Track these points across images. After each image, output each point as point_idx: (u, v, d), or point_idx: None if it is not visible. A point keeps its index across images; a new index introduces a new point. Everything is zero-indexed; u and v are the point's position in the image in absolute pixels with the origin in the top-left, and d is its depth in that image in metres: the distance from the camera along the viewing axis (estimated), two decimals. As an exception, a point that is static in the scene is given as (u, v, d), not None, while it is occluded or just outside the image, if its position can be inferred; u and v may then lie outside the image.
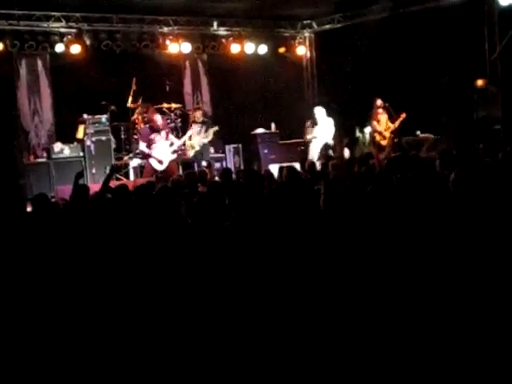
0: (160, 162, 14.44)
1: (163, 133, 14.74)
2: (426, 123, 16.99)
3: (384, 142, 15.68)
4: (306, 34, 19.81)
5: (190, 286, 5.32)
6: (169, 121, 16.54)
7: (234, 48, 17.97)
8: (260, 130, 17.18)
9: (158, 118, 14.96)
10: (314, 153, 15.67)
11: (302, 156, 15.91)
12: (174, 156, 14.87)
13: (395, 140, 15.90)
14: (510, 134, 14.81)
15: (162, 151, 14.51)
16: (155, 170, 14.37)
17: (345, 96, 18.08)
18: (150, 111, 15.99)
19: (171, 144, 14.75)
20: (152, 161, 14.46)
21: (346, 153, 15.67)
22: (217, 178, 12.07)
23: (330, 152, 15.36)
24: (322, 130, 15.86)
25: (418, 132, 16.80)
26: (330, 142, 15.93)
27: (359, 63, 17.78)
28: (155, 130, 14.70)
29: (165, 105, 16.95)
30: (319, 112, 15.99)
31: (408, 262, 5.40)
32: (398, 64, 17.12)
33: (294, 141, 17.48)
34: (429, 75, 17.05)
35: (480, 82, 16.77)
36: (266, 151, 16.67)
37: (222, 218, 6.19)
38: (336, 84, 18.71)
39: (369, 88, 16.90)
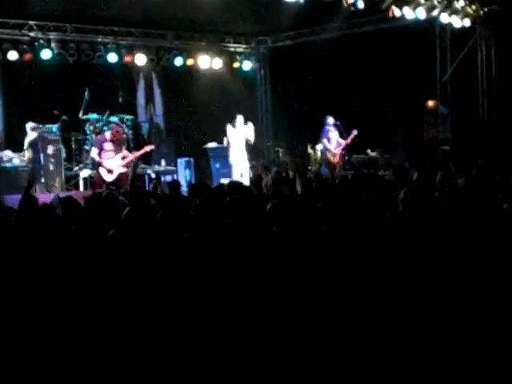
0: (110, 171, 14.29)
1: (117, 144, 14.61)
2: (376, 142, 17.19)
3: (334, 160, 15.81)
4: (260, 51, 19.91)
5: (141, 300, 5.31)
6: (122, 133, 16.39)
7: (188, 61, 17.99)
8: (212, 145, 17.17)
9: (112, 126, 14.91)
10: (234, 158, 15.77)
11: (253, 171, 15.95)
12: (125, 169, 14.72)
13: (345, 157, 16.06)
14: (458, 155, 15.07)
15: (113, 162, 14.38)
16: (104, 181, 14.21)
17: (296, 112, 18.22)
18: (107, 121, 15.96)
19: (123, 157, 14.61)
20: (101, 170, 14.31)
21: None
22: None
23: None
24: (238, 137, 15.90)
25: (369, 150, 16.98)
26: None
27: (312, 80, 17.92)
28: (109, 139, 14.53)
29: (118, 116, 16.82)
30: (239, 120, 15.96)
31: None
32: (350, 83, 17.32)
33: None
34: (380, 95, 17.27)
35: (430, 103, 17.05)
36: (217, 165, 16.65)
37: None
38: (288, 100, 18.83)
39: (321, 105, 17.05)
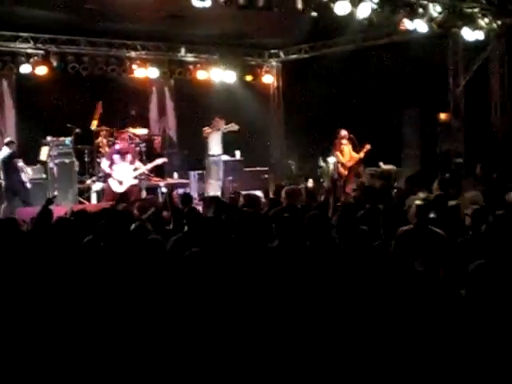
0: (120, 182, 14.35)
1: (129, 156, 14.68)
2: (389, 155, 17.15)
3: (347, 173, 15.78)
4: (273, 63, 19.98)
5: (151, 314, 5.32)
6: (134, 145, 16.48)
7: (201, 74, 18.06)
8: (225, 157, 17.19)
9: (123, 138, 14.95)
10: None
11: (266, 184, 15.98)
12: (136, 181, 14.78)
13: (359, 170, 16.03)
14: (471, 168, 15.02)
15: (124, 173, 14.43)
16: (114, 192, 14.27)
17: (309, 125, 18.23)
18: (115, 133, 16.01)
19: (135, 169, 14.68)
20: (111, 181, 14.37)
21: (310, 182, 15.72)
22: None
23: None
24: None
25: (381, 163, 16.94)
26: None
27: (325, 93, 17.94)
28: (121, 151, 14.62)
29: (130, 129, 16.90)
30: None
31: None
32: (363, 96, 17.33)
33: (258, 169, 17.53)
34: (393, 108, 17.27)
35: (443, 116, 17.00)
36: (230, 178, 16.65)
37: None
38: (301, 113, 18.85)
39: (334, 118, 17.05)
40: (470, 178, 12.39)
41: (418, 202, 7.26)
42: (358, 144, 15.78)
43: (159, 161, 15.58)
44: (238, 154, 17.44)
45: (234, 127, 16.65)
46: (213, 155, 16.60)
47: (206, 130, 16.60)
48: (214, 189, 16.07)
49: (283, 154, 19.89)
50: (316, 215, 7.01)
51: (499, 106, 15.91)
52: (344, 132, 15.88)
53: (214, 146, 16.68)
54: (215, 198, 10.73)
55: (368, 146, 15.61)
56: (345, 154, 15.87)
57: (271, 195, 12.05)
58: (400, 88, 16.80)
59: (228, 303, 5.48)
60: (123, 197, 13.83)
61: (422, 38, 15.49)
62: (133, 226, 6.88)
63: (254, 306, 5.59)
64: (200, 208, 10.22)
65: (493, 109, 16.00)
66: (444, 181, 10.79)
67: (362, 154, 15.70)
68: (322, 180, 17.15)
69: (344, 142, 15.89)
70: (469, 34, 15.48)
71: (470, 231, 7.08)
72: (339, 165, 15.94)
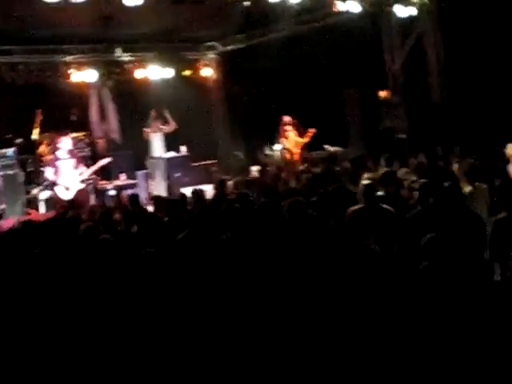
0: (66, 189, 14.22)
1: (73, 161, 14.55)
2: (333, 136, 17.24)
3: (293, 158, 15.84)
4: (211, 56, 19.91)
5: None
6: (78, 150, 16.27)
7: (140, 73, 17.90)
8: (170, 154, 17.08)
9: (65, 144, 14.75)
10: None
11: (215, 177, 15.94)
12: (83, 185, 14.66)
13: (305, 155, 16.10)
14: (415, 143, 15.18)
15: (69, 179, 14.31)
16: (63, 200, 14.13)
17: (253, 114, 18.23)
18: (56, 139, 15.78)
19: (81, 173, 14.56)
20: (58, 189, 14.23)
21: (255, 171, 15.70)
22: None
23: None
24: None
25: (326, 146, 17.03)
26: None
27: (266, 81, 17.95)
28: (63, 157, 14.48)
29: (72, 134, 16.67)
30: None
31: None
32: (303, 80, 17.38)
33: (205, 162, 17.48)
34: (334, 89, 17.35)
35: (383, 94, 17.13)
36: (177, 174, 16.56)
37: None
38: (243, 103, 18.84)
39: (277, 105, 17.08)
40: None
41: (364, 182, 7.33)
42: (302, 129, 15.84)
43: (103, 162, 15.46)
44: (183, 149, 17.33)
45: (171, 128, 16.64)
46: (155, 157, 16.56)
47: (146, 130, 16.55)
48: (159, 188, 16.00)
49: (230, 145, 19.85)
50: (266, 203, 7.03)
51: (437, 79, 16.10)
52: (287, 118, 15.94)
53: (156, 147, 16.64)
54: (163, 197, 10.68)
55: (312, 130, 15.69)
56: (290, 140, 15.93)
57: (216, 188, 12.06)
58: (339, 70, 16.88)
59: (185, 299, 5.47)
60: (72, 203, 13.70)
61: (355, 18, 15.59)
62: (82, 228, 6.82)
63: (211, 298, 5.59)
64: (150, 208, 10.18)
65: (431, 82, 16.19)
66: (389, 158, 10.90)
67: (306, 139, 15.77)
68: (269, 168, 17.17)
69: (288, 128, 15.95)
70: (401, 11, 15.64)
71: (418, 205, 7.15)
72: (285, 151, 16.00)
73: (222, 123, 20.22)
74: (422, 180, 7.98)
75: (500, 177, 7.87)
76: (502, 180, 6.87)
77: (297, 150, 15.92)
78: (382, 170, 9.63)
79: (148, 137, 16.64)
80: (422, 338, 4.98)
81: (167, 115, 16.79)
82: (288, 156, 15.87)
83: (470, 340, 4.85)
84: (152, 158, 16.70)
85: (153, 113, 16.75)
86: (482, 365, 4.74)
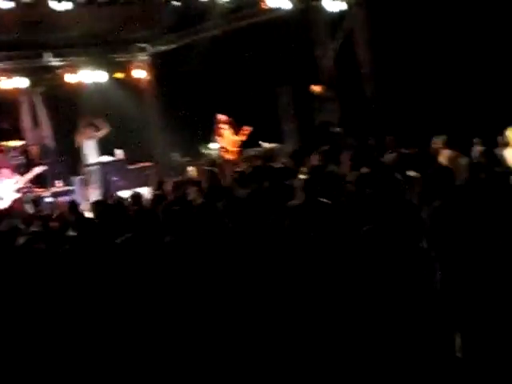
0: (1, 199, 14.02)
1: (6, 171, 14.32)
2: (268, 133, 17.31)
3: (230, 157, 15.86)
4: (143, 58, 19.76)
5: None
6: (12, 158, 15.98)
7: (71, 78, 17.68)
8: (105, 158, 16.92)
9: None
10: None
11: (153, 180, 15.85)
12: (19, 195, 14.43)
13: (242, 153, 16.13)
14: (350, 136, 15.34)
15: (3, 189, 14.09)
16: (-2, 210, 13.92)
17: (188, 115, 18.18)
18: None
19: (16, 182, 14.33)
20: None
21: (191, 171, 15.65)
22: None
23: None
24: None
25: (262, 143, 17.09)
26: None
27: (199, 81, 17.92)
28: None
29: (4, 143, 16.39)
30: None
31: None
32: (237, 78, 17.39)
33: (142, 165, 17.38)
34: (268, 86, 17.41)
35: (316, 88, 17.24)
36: (114, 178, 16.41)
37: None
38: (178, 104, 18.77)
39: (211, 104, 17.07)
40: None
41: (303, 176, 7.38)
42: (237, 127, 15.87)
43: (37, 169, 15.25)
44: (119, 152, 17.20)
45: (103, 132, 16.49)
46: (89, 165, 16.38)
47: (78, 137, 16.36)
48: (96, 194, 15.83)
49: (166, 147, 19.76)
50: (205, 204, 7.02)
51: (368, 73, 16.29)
52: (222, 117, 15.95)
53: (90, 154, 16.47)
54: (101, 202, 10.56)
55: (248, 129, 15.74)
56: (225, 139, 15.95)
57: (155, 190, 12.01)
58: (272, 67, 16.95)
59: (127, 303, 5.45)
60: (6, 213, 13.46)
61: (286, 14, 15.69)
62: (21, 241, 6.73)
63: (153, 301, 5.58)
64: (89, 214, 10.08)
65: (363, 75, 16.37)
66: (325, 152, 10.99)
67: (242, 137, 15.81)
68: (206, 167, 17.15)
69: (223, 126, 15.96)
70: (331, 6, 15.78)
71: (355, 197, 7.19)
72: (222, 150, 16.01)
73: (157, 125, 20.12)
74: (356, 172, 8.07)
75: (432, 166, 8.00)
76: (434, 169, 6.98)
77: (233, 149, 15.95)
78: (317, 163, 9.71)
79: (80, 144, 16.45)
80: (362, 333, 5.07)
81: (98, 121, 16.55)
82: (224, 155, 15.89)
83: (410, 331, 4.95)
84: (86, 165, 16.50)
85: (83, 120, 16.53)
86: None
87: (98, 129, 16.60)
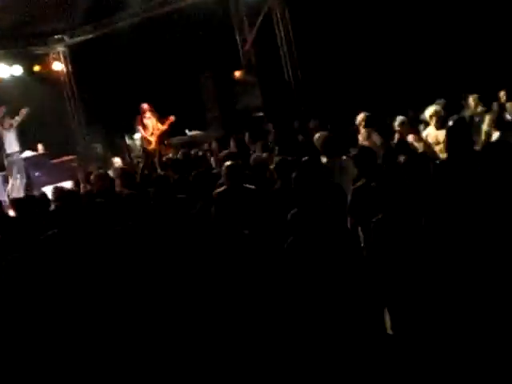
0: None
1: None
2: (192, 120, 17.28)
3: (151, 146, 15.69)
4: (60, 49, 19.43)
5: None
6: None
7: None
8: (27, 154, 16.57)
9: None
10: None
11: (76, 173, 15.61)
12: None
13: (166, 142, 16.02)
14: (271, 119, 15.43)
15: None
16: None
17: (109, 105, 17.98)
18: None
19: None
20: None
21: (117, 162, 15.48)
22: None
23: None
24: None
25: (187, 130, 17.04)
26: None
27: (120, 71, 17.73)
28: None
29: None
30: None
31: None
32: (158, 66, 17.27)
33: (65, 158, 17.10)
34: (190, 73, 17.35)
35: (238, 74, 17.28)
36: (37, 174, 16.10)
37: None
38: (99, 95, 18.55)
39: (134, 94, 16.91)
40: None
41: (227, 163, 7.38)
42: (161, 116, 15.76)
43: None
44: (40, 147, 16.89)
45: (22, 114, 16.02)
46: (10, 154, 15.93)
47: None
48: (18, 189, 15.47)
49: (88, 138, 19.52)
50: (131, 195, 6.97)
51: (288, 56, 16.38)
52: (145, 106, 15.80)
53: (10, 143, 16.01)
54: (24, 198, 10.36)
55: (172, 118, 15.64)
56: (148, 128, 15.80)
57: (76, 184, 11.84)
58: (193, 54, 16.89)
59: (58, 299, 5.40)
60: None
61: (205, 1, 15.66)
62: None
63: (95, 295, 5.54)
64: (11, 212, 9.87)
65: (282, 59, 16.46)
66: (239, 140, 11.04)
67: (166, 126, 15.71)
68: (130, 157, 17.02)
69: (147, 115, 15.81)
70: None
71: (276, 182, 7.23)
72: (144, 139, 15.88)
73: (78, 117, 19.85)
74: (278, 156, 8.12)
75: (356, 147, 8.13)
76: (359, 150, 7.09)
77: (156, 138, 15.83)
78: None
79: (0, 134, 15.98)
80: (295, 314, 5.12)
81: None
82: (147, 144, 15.76)
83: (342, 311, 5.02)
84: (8, 155, 16.00)
85: None
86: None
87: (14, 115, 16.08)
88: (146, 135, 15.72)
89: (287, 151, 8.78)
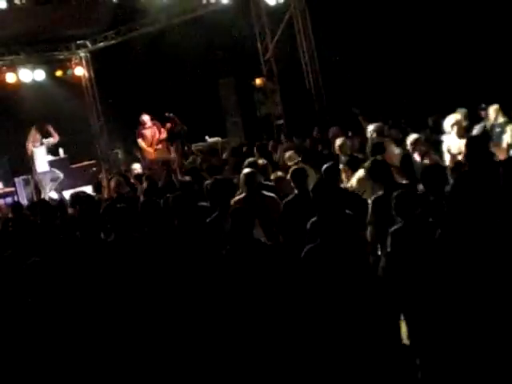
0: None
1: None
2: (213, 127, 17.29)
3: (152, 156, 15.63)
4: (82, 54, 19.53)
5: None
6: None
7: (10, 77, 17.38)
8: (48, 158, 16.64)
9: None
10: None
11: (96, 177, 15.67)
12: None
13: (186, 148, 16.03)
14: (292, 128, 15.42)
15: None
16: None
17: (128, 111, 18.02)
18: None
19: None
20: None
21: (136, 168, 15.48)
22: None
23: None
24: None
25: (207, 137, 17.07)
26: None
27: (140, 77, 17.80)
28: None
29: None
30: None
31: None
32: (178, 73, 17.32)
33: (85, 163, 17.16)
34: (210, 80, 17.39)
35: (258, 81, 17.29)
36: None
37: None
38: (118, 100, 18.62)
39: (153, 99, 16.97)
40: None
41: (245, 171, 7.38)
42: (160, 124, 15.73)
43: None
44: (61, 151, 16.95)
45: (54, 140, 16.10)
46: (41, 173, 15.97)
47: (29, 146, 15.95)
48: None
49: (108, 143, 19.60)
50: (149, 201, 6.96)
51: (309, 64, 16.37)
52: (145, 116, 15.74)
53: (41, 162, 16.02)
54: (40, 202, 10.39)
55: (168, 125, 15.61)
56: (147, 139, 15.75)
57: (95, 189, 11.88)
58: (214, 61, 16.93)
59: (76, 305, 5.42)
60: None
61: (226, 8, 15.68)
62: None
63: (100, 302, 5.56)
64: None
65: (304, 67, 16.44)
66: (263, 146, 11.03)
67: (165, 135, 15.68)
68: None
69: (147, 126, 15.75)
70: (269, -1, 15.83)
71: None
72: (143, 150, 15.87)
73: (98, 122, 19.92)
74: (294, 163, 8.10)
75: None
76: (372, 163, 7.02)
77: (153, 148, 15.76)
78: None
79: (31, 152, 16.01)
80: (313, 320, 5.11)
81: (50, 129, 16.16)
82: (146, 154, 15.76)
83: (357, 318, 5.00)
84: (40, 173, 16.06)
85: (33, 127, 16.11)
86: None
87: (47, 135, 16.16)
88: (145, 146, 15.74)
89: (307, 159, 8.78)
